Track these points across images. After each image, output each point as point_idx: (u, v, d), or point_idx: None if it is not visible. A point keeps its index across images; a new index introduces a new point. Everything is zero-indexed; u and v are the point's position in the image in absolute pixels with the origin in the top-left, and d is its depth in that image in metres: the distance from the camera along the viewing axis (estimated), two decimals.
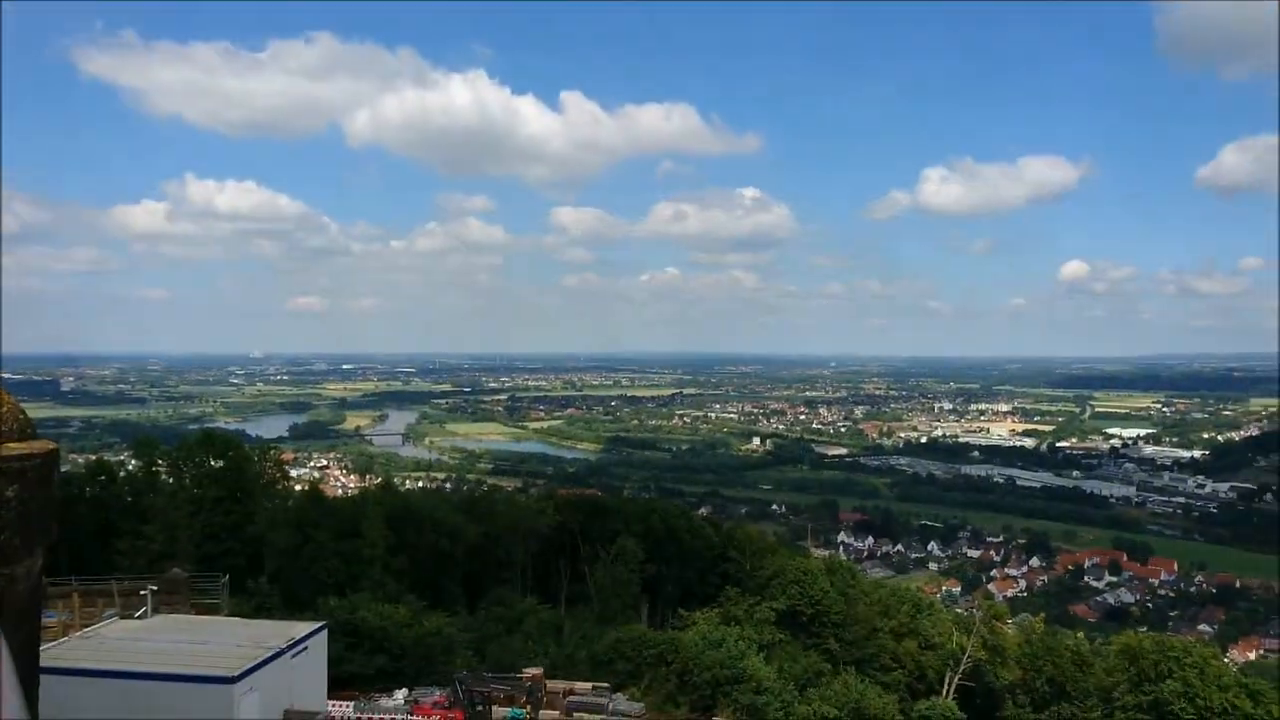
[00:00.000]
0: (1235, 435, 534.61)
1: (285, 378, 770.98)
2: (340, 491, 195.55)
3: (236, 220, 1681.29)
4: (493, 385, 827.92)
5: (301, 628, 43.74)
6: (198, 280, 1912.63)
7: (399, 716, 46.73)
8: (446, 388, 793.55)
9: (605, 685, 55.78)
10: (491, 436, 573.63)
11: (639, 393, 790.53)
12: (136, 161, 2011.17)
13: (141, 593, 45.92)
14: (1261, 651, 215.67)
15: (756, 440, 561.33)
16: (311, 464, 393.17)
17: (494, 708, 49.86)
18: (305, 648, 42.10)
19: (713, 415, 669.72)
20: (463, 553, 78.91)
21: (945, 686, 66.75)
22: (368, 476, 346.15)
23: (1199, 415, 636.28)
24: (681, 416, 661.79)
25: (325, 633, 45.35)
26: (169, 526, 68.56)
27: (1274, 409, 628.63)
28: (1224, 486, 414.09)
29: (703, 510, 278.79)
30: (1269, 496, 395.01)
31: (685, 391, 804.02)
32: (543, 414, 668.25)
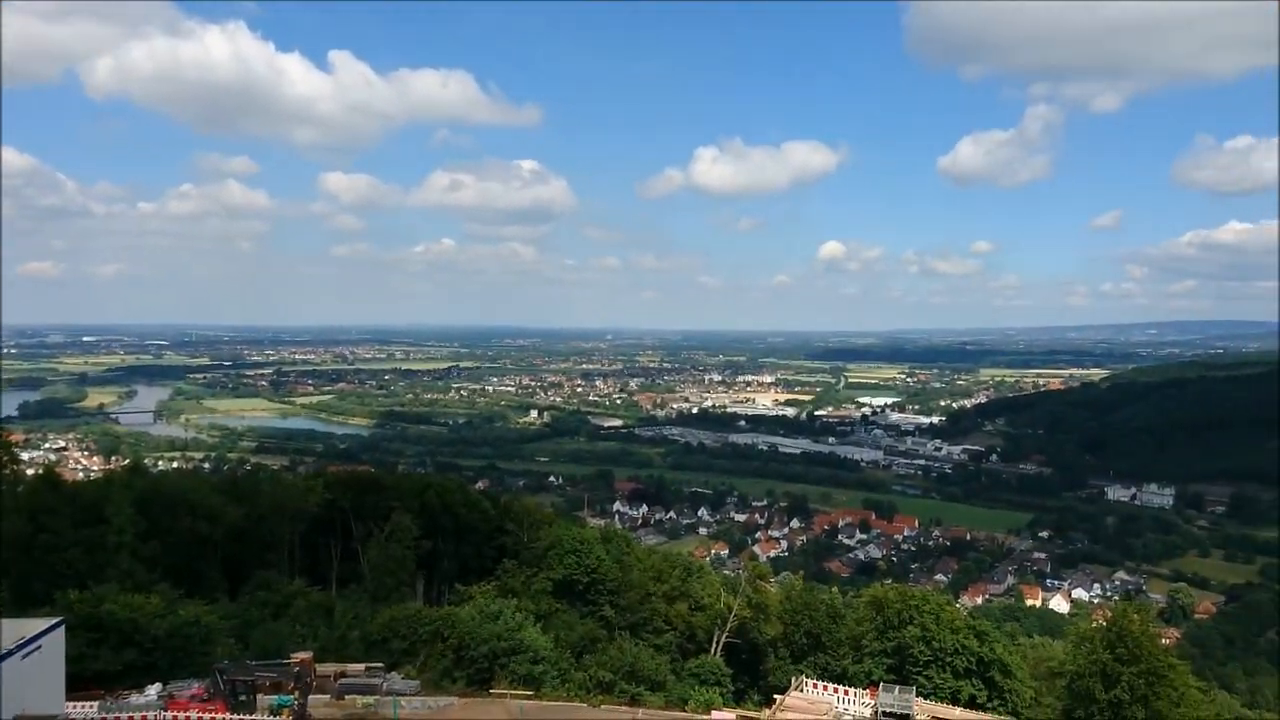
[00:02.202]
0: (967, 402, 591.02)
1: (14, 351, 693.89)
2: (81, 476, 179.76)
3: None
4: (256, 359, 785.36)
5: (34, 625, 40.33)
6: None
7: (151, 713, 43.72)
8: (204, 361, 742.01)
9: (379, 665, 54.69)
10: (255, 413, 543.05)
11: (414, 366, 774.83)
12: None
13: None
14: (987, 596, 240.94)
15: (534, 413, 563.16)
16: (47, 446, 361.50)
17: (259, 696, 47.74)
18: (38, 647, 38.82)
19: (490, 388, 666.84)
20: (223, 536, 74.51)
21: (714, 645, 70.06)
22: (114, 458, 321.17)
23: (937, 385, 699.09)
24: (458, 390, 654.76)
25: (62, 630, 41.94)
26: None
27: (1000, 378, 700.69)
28: (957, 449, 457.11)
29: (480, 484, 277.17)
30: (994, 457, 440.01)
31: (462, 365, 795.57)
32: (311, 389, 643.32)
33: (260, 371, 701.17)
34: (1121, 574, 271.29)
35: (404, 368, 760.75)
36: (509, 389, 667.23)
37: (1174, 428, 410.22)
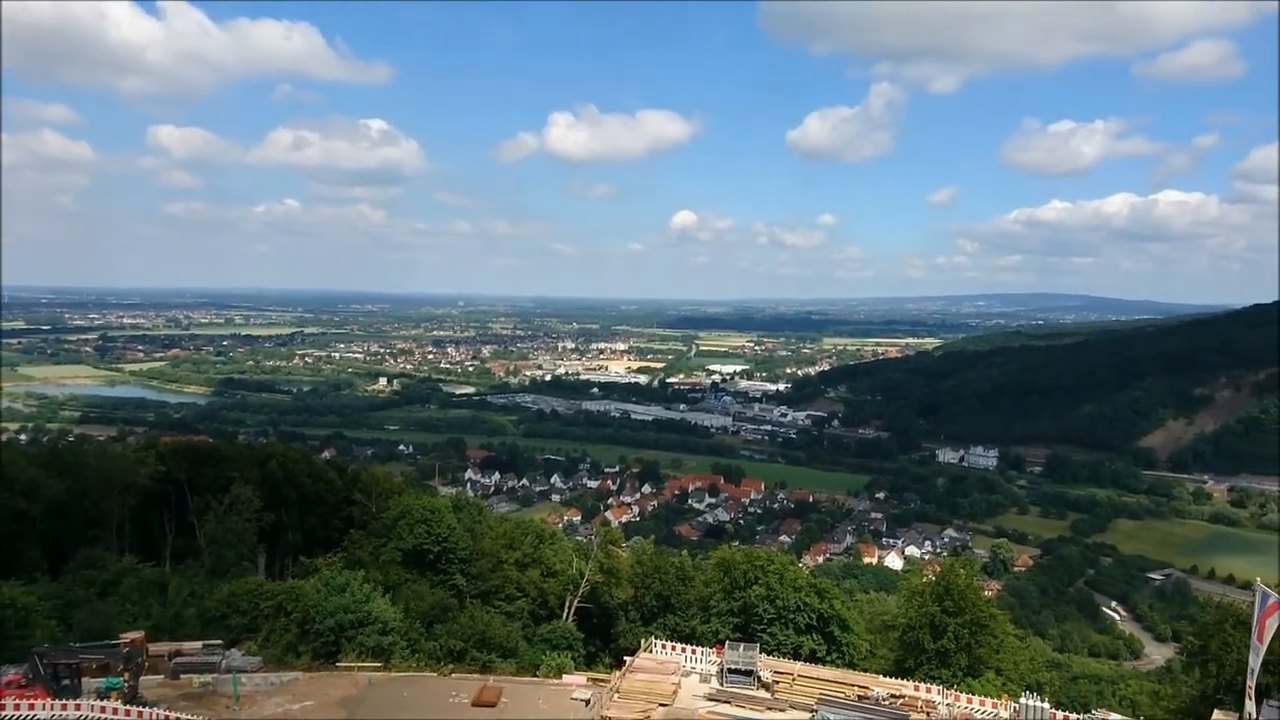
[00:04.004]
0: (812, 370, 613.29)
1: None
2: None
3: None
4: (79, 323, 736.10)
5: None
6: None
7: None
8: (19, 325, 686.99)
9: (218, 642, 52.75)
10: (79, 380, 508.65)
11: (255, 331, 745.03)
12: None
13: None
14: (828, 555, 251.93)
15: (383, 380, 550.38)
16: None
17: (85, 679, 45.29)
18: None
19: (336, 355, 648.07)
20: (43, 512, 69.69)
21: (566, 610, 70.72)
22: None
23: (784, 353, 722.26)
24: (303, 356, 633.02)
25: None
26: None
27: (843, 347, 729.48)
28: (802, 415, 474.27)
29: (326, 453, 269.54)
30: (836, 423, 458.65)
31: (306, 330, 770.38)
32: (142, 355, 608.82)
33: (84, 336, 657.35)
34: (950, 531, 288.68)
35: (244, 333, 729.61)
36: (357, 356, 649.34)
37: (998, 394, 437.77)
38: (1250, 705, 34.79)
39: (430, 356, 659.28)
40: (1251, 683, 34.97)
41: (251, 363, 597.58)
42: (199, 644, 52.40)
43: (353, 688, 51.23)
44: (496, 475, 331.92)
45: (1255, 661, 35.20)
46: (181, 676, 49.88)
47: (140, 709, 42.51)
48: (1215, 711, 37.61)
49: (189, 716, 42.83)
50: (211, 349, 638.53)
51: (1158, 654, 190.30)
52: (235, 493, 73.54)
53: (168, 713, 42.67)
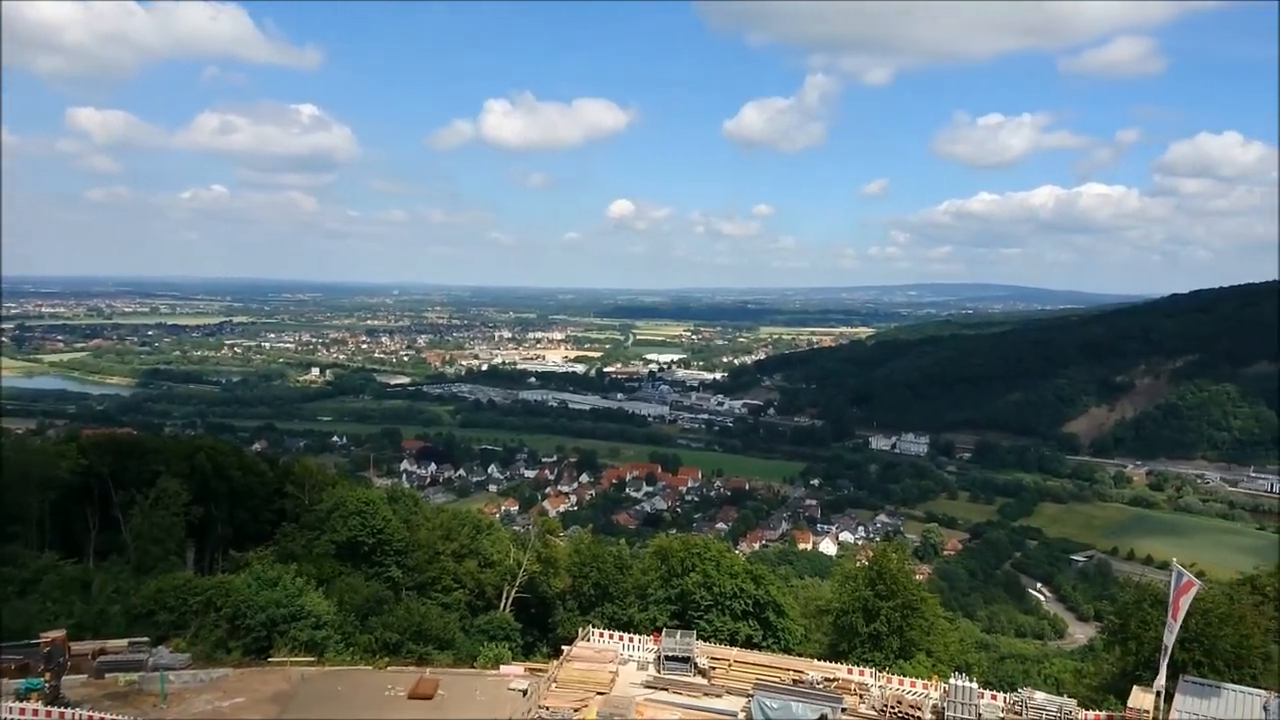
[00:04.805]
0: (748, 359, 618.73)
1: None
2: None
3: None
4: None
5: None
6: None
7: None
8: None
9: (144, 640, 51.50)
10: None
11: (182, 321, 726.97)
12: None
13: None
14: (764, 542, 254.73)
15: (316, 370, 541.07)
16: None
17: (4, 680, 43.87)
18: None
19: (267, 345, 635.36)
20: None
21: (503, 600, 70.41)
22: None
23: (720, 342, 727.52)
24: (232, 346, 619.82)
25: None
26: None
27: (778, 336, 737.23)
28: (738, 404, 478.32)
29: (257, 445, 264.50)
30: (772, 411, 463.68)
31: (236, 320, 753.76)
32: (62, 345, 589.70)
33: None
34: (883, 517, 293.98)
35: (170, 322, 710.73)
36: (288, 346, 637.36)
37: (929, 382, 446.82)
38: (1163, 678, 36.12)
39: (364, 346, 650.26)
40: (1165, 658, 36.31)
41: (178, 353, 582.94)
42: (124, 642, 51.10)
43: (285, 683, 50.42)
44: (433, 466, 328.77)
45: (1169, 638, 36.57)
46: (106, 675, 48.59)
47: (62, 710, 41.34)
48: (1135, 687, 38.96)
49: (114, 716, 41.78)
50: (136, 339, 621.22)
51: (1081, 633, 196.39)
52: (162, 486, 71.60)
53: (91, 713, 41.56)
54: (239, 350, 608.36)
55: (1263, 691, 35.78)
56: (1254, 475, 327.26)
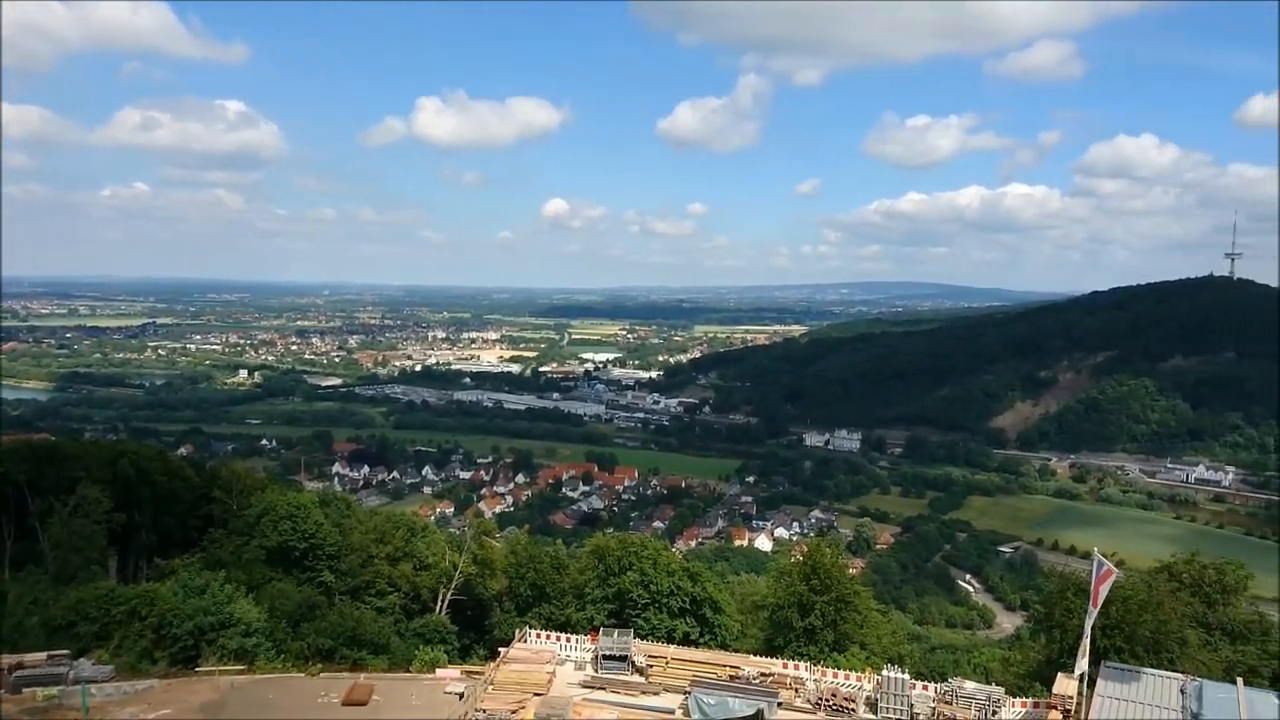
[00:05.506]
0: (683, 357, 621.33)
1: None
2: None
3: None
4: None
5: None
6: None
7: None
8: None
9: (65, 652, 49.80)
10: None
11: (102, 322, 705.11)
12: None
13: None
14: (700, 539, 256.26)
15: (243, 373, 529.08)
16: None
17: None
18: None
19: (192, 347, 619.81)
20: None
21: (439, 603, 69.73)
22: None
23: (656, 340, 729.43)
24: (155, 348, 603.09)
25: None
26: None
27: (713, 334, 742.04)
28: (674, 402, 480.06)
29: (183, 450, 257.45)
30: (707, 409, 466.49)
31: (159, 321, 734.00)
32: None
33: None
34: (817, 512, 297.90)
35: (89, 324, 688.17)
36: (214, 347, 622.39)
37: (861, 379, 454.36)
38: (1083, 664, 37.19)
39: (294, 348, 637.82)
40: (1085, 643, 37.41)
41: (99, 355, 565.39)
42: (43, 655, 49.37)
43: (214, 693, 49.25)
44: (365, 468, 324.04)
45: (1088, 624, 37.72)
46: (24, 690, 46.87)
47: None
48: (1060, 674, 40.06)
49: None
50: (53, 341, 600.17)
51: (1008, 622, 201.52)
52: (82, 493, 69.33)
53: None
54: (163, 352, 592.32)
55: (1180, 675, 37.02)
56: (1170, 466, 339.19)
